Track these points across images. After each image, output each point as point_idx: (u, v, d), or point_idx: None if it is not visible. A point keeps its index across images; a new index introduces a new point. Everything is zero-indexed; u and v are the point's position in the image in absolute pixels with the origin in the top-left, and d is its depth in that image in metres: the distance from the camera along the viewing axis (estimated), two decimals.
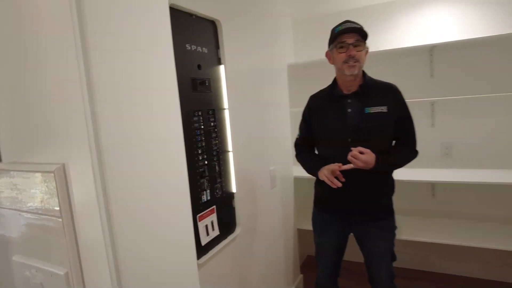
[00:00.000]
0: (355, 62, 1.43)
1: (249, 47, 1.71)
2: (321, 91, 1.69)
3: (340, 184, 1.43)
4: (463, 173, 2.24)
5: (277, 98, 2.08)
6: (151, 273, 0.72)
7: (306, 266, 2.70)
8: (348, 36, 1.44)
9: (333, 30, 1.52)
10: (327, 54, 1.59)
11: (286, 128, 2.23)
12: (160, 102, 0.73)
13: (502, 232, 2.16)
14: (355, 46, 1.43)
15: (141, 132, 0.68)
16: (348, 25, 1.46)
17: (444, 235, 2.21)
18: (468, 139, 2.34)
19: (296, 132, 1.80)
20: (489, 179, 2.05)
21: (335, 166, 1.44)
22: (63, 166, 0.62)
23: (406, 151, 1.54)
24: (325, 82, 1.65)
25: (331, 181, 1.44)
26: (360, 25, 1.46)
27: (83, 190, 0.61)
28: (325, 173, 1.47)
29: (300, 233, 2.47)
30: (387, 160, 1.46)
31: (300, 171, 2.30)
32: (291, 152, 2.17)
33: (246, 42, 1.68)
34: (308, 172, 1.67)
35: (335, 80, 1.61)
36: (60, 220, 0.64)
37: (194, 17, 1.32)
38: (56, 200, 0.63)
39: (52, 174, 0.62)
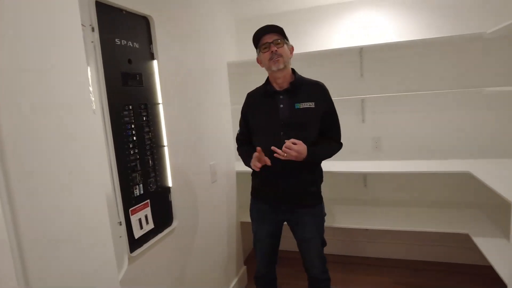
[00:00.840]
0: (278, 57, 1.55)
1: (186, 44, 1.74)
2: (257, 88, 1.78)
3: (268, 162, 1.55)
4: (391, 164, 2.45)
5: (217, 94, 2.13)
6: (64, 275, 0.72)
7: (252, 258, 2.78)
8: (267, 37, 1.57)
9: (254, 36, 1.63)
10: (257, 60, 1.69)
11: (228, 124, 2.28)
12: (68, 99, 0.73)
13: (427, 215, 2.40)
14: (276, 44, 1.55)
15: (45, 129, 0.67)
16: (264, 27, 1.58)
17: (376, 222, 2.41)
18: (395, 133, 2.57)
19: (237, 128, 1.87)
20: (414, 168, 2.27)
21: (256, 153, 1.58)
22: None
23: (332, 144, 1.68)
24: (265, 79, 1.74)
25: (254, 165, 1.58)
26: (277, 27, 1.59)
27: None
28: (251, 161, 1.59)
29: (245, 226, 2.54)
30: (316, 151, 1.59)
31: (242, 166, 2.37)
32: (234, 147, 2.23)
33: (182, 39, 1.70)
34: (246, 164, 1.74)
35: (268, 78, 1.71)
36: None
37: (124, 12, 1.32)
38: None
39: None
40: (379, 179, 2.64)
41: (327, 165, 1.78)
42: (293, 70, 1.69)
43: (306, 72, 1.72)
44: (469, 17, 2.31)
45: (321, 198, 1.71)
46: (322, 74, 1.89)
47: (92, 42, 1.14)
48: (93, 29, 1.15)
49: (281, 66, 1.56)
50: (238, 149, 1.84)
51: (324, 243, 1.73)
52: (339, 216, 2.49)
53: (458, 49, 2.36)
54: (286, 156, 1.51)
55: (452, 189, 2.49)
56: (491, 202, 2.36)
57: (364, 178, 2.65)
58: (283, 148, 1.51)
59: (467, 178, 2.06)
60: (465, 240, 2.12)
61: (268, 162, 1.55)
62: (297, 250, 1.77)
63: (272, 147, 1.53)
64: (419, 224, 2.29)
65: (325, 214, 1.73)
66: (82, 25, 1.04)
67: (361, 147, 2.63)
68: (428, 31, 2.41)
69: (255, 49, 1.67)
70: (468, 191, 2.45)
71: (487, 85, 2.28)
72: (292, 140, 1.51)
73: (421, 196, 2.58)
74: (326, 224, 1.75)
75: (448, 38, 2.20)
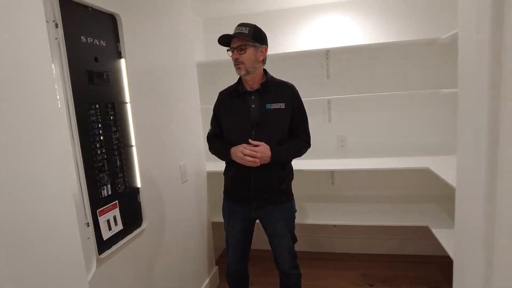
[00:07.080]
0: (240, 64, 1.58)
1: (154, 43, 1.72)
2: (229, 87, 1.80)
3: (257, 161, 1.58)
4: (356, 162, 2.55)
5: (187, 94, 2.12)
6: (31, 278, 0.70)
7: (224, 258, 2.78)
8: (233, 41, 1.60)
9: None
10: None
11: (198, 124, 2.28)
12: (33, 96, 0.70)
13: (391, 210, 2.52)
14: (239, 51, 1.57)
15: (8, 127, 0.65)
16: (235, 31, 1.59)
17: (343, 218, 2.49)
18: (359, 133, 2.68)
19: (208, 128, 1.87)
20: (378, 165, 2.37)
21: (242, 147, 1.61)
22: None
23: (299, 143, 1.72)
24: (235, 80, 1.76)
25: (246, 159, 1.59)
26: (247, 29, 1.58)
27: None
28: (239, 155, 1.61)
29: (217, 226, 2.54)
30: (281, 149, 1.63)
31: (213, 166, 2.38)
32: (204, 147, 2.23)
33: (150, 38, 1.68)
34: (222, 158, 1.76)
35: (240, 78, 1.73)
36: None
37: (90, 9, 1.29)
38: None
39: None
40: (345, 176, 2.74)
41: (296, 164, 1.83)
42: (265, 70, 1.72)
43: (274, 73, 1.75)
44: (429, 22, 2.46)
45: (291, 195, 1.75)
46: (289, 76, 1.94)
47: (56, 38, 1.11)
48: (56, 25, 1.11)
49: (242, 73, 1.60)
50: (210, 148, 1.84)
51: (294, 239, 1.78)
52: (309, 213, 2.56)
53: (417, 52, 2.49)
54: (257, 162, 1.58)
55: (413, 184, 2.63)
56: (448, 195, 2.51)
57: (331, 175, 2.74)
58: (247, 158, 1.58)
59: (427, 174, 2.18)
60: (426, 233, 2.25)
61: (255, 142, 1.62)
62: (270, 248, 1.80)
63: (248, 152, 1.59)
64: (383, 218, 2.40)
65: (295, 211, 1.78)
66: (45, 20, 1.01)
67: (328, 146, 2.72)
68: (391, 34, 2.53)
69: (223, 50, 1.68)
70: (427, 186, 2.59)
71: (443, 86, 2.43)
72: (253, 143, 1.59)
73: (384, 192, 2.70)
74: (296, 221, 1.79)
75: (408, 42, 2.33)
